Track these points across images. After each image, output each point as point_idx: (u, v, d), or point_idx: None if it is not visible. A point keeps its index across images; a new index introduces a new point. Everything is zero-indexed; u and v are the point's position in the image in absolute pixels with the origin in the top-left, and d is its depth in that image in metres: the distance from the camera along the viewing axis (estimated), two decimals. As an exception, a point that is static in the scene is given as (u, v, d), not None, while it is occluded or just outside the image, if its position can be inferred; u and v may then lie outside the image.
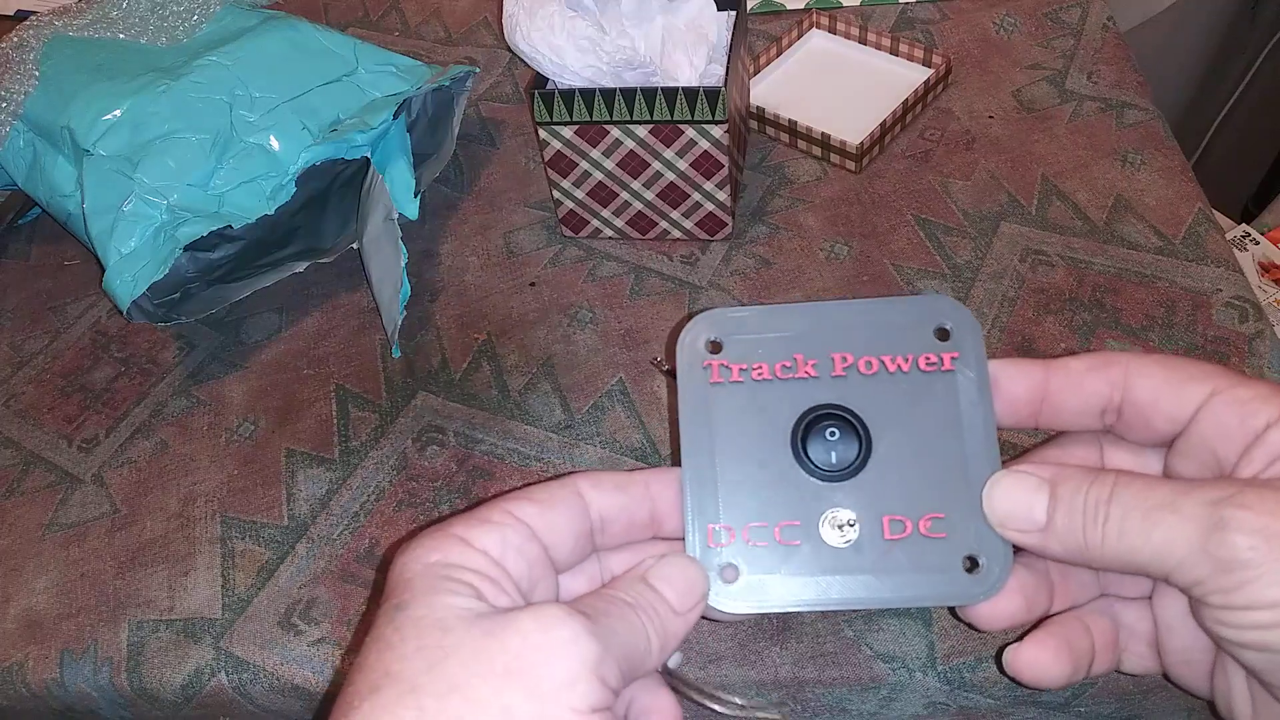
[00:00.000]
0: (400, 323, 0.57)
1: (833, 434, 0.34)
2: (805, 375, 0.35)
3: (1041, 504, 0.32)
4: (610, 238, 0.65)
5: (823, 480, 0.34)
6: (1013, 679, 0.34)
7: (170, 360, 0.62)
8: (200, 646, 0.49)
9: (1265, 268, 1.17)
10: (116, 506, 0.55)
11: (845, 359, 0.34)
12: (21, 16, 0.89)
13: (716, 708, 0.43)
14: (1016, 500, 0.32)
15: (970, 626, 0.35)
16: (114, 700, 0.49)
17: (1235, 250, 1.04)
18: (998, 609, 0.33)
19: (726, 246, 0.63)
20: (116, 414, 0.60)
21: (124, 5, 0.67)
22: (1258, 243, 1.18)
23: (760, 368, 0.35)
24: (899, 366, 0.34)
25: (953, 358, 0.34)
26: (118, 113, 0.59)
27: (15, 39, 0.66)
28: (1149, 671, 0.35)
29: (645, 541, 0.35)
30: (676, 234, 0.63)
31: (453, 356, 0.60)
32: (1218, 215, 0.79)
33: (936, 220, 0.63)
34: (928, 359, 0.34)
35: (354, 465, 0.55)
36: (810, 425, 0.34)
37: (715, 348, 0.35)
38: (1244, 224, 1.20)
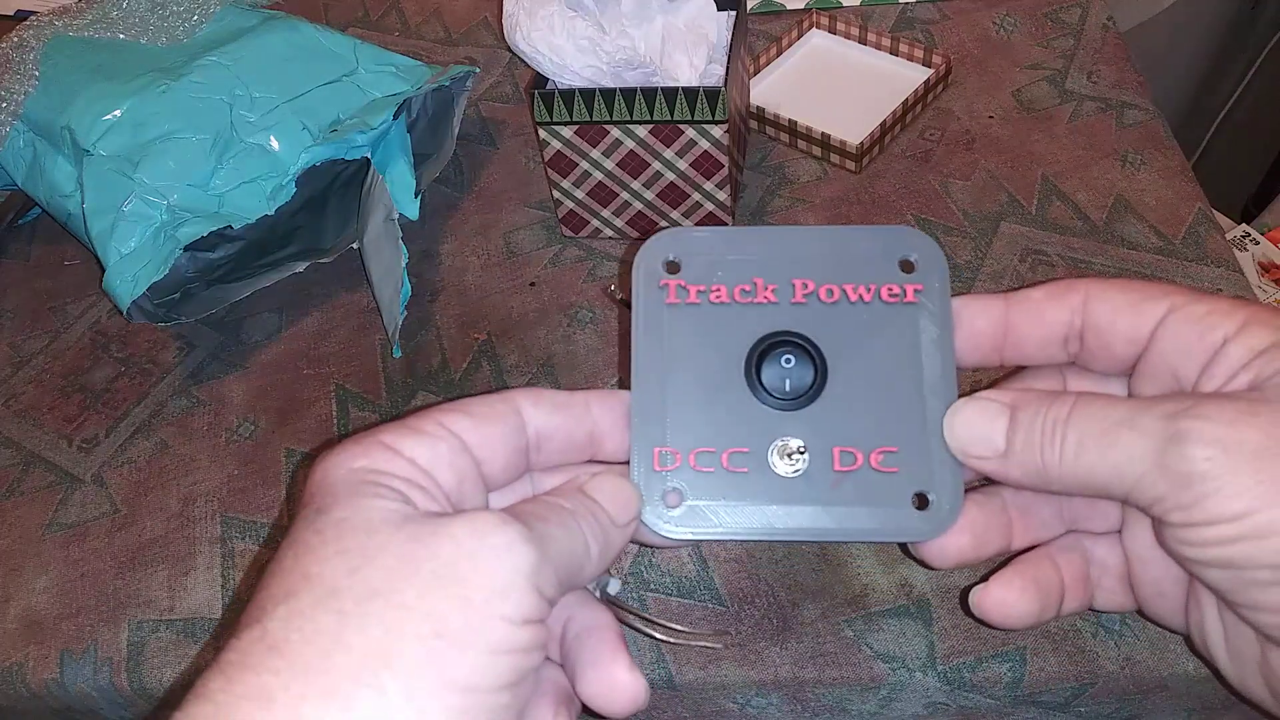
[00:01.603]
0: (401, 323, 0.57)
1: (788, 361, 0.33)
2: (764, 300, 0.34)
3: (1001, 428, 0.31)
4: (610, 238, 0.65)
5: (775, 408, 0.33)
6: (980, 620, 0.33)
7: (170, 360, 0.62)
8: (200, 646, 0.49)
9: (1265, 268, 1.17)
10: (116, 506, 0.55)
11: (806, 285, 0.34)
12: (21, 16, 0.89)
13: (657, 635, 0.42)
14: (977, 426, 0.31)
15: (921, 563, 0.34)
16: (114, 700, 0.49)
17: (1235, 250, 1.04)
18: (946, 546, 0.32)
19: (726, 246, 0.63)
20: (116, 414, 0.60)
21: (124, 5, 0.67)
22: (1258, 243, 1.18)
23: (718, 290, 0.34)
24: (860, 296, 0.33)
25: (916, 290, 0.33)
26: (118, 113, 0.59)
27: (15, 39, 0.66)
28: (1123, 608, 0.35)
29: (580, 464, 0.34)
30: (676, 234, 0.63)
31: (453, 356, 0.60)
32: (1218, 215, 0.79)
33: (936, 220, 0.63)
34: (890, 290, 0.33)
35: (354, 465, 0.55)
36: (766, 351, 0.33)
37: (673, 268, 0.34)
38: (1244, 224, 1.20)
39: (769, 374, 0.33)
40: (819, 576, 0.47)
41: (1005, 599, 0.32)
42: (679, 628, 0.45)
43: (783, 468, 0.33)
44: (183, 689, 0.35)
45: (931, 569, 0.40)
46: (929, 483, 0.32)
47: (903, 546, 0.35)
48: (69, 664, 0.49)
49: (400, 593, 0.25)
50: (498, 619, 0.25)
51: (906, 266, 0.34)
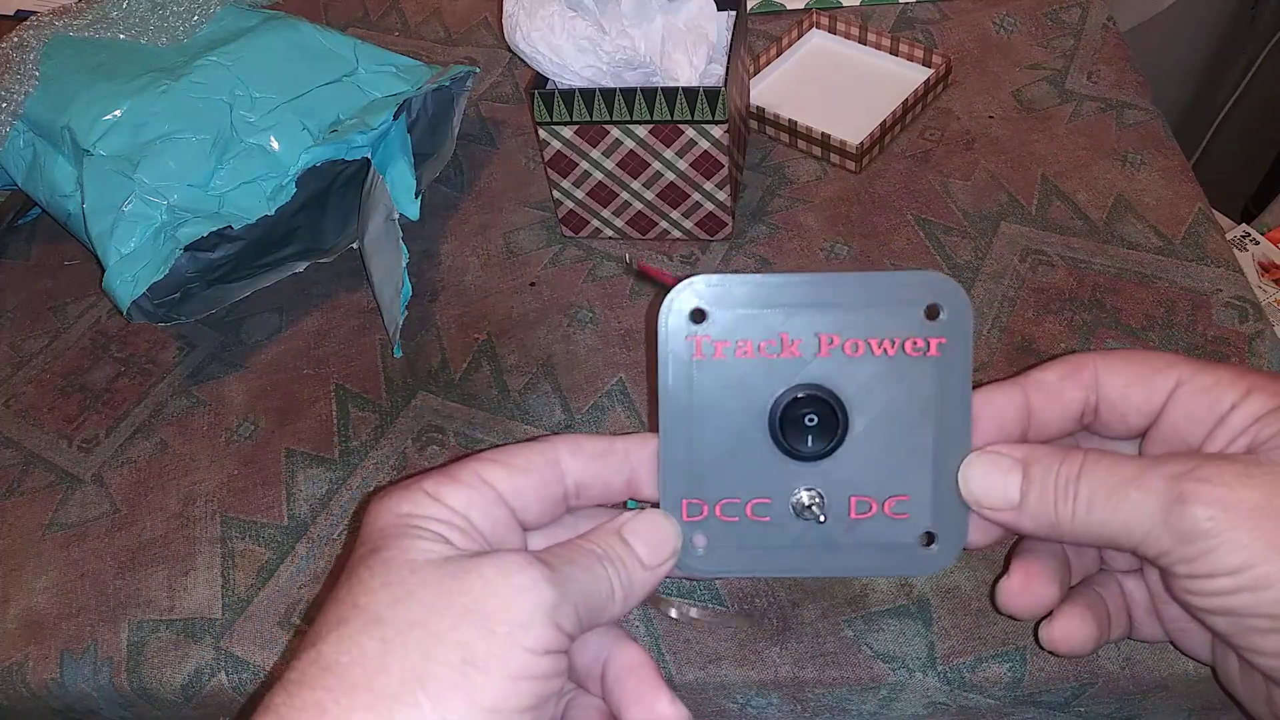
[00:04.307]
0: (401, 323, 0.57)
1: (811, 419, 0.34)
2: (789, 355, 0.34)
3: (1015, 483, 0.33)
4: (610, 238, 0.65)
5: (796, 459, 0.35)
6: (1051, 651, 0.36)
7: (170, 360, 0.62)
8: (200, 646, 0.49)
9: (1265, 268, 1.17)
10: (116, 506, 0.55)
11: (831, 340, 0.34)
12: (21, 16, 0.89)
13: (672, 613, 0.46)
14: (991, 480, 0.33)
15: (1050, 652, 0.36)
16: (114, 700, 0.49)
17: (1235, 250, 1.04)
18: (1070, 634, 0.35)
19: (726, 246, 0.63)
20: (116, 414, 0.60)
21: (124, 5, 0.67)
22: (1258, 243, 1.18)
23: (744, 346, 0.34)
24: (885, 350, 0.34)
25: (939, 344, 0.34)
26: (118, 113, 0.59)
27: (15, 39, 0.66)
28: (1158, 638, 0.37)
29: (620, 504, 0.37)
30: (676, 234, 0.63)
31: (453, 356, 0.60)
32: (1218, 215, 0.79)
33: (936, 220, 0.62)
34: (914, 343, 0.34)
35: (354, 465, 0.55)
36: (789, 407, 0.34)
37: (699, 316, 0.34)
38: (1244, 224, 1.20)
39: (791, 430, 0.34)
40: (819, 577, 0.47)
41: (1069, 627, 0.35)
42: (693, 612, 0.47)
43: (802, 516, 0.35)
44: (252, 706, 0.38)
45: (1044, 650, 0.41)
46: (934, 523, 0.34)
47: (992, 602, 0.37)
48: (69, 664, 0.49)
49: (435, 624, 0.28)
50: (519, 649, 0.28)
51: (931, 312, 0.34)
